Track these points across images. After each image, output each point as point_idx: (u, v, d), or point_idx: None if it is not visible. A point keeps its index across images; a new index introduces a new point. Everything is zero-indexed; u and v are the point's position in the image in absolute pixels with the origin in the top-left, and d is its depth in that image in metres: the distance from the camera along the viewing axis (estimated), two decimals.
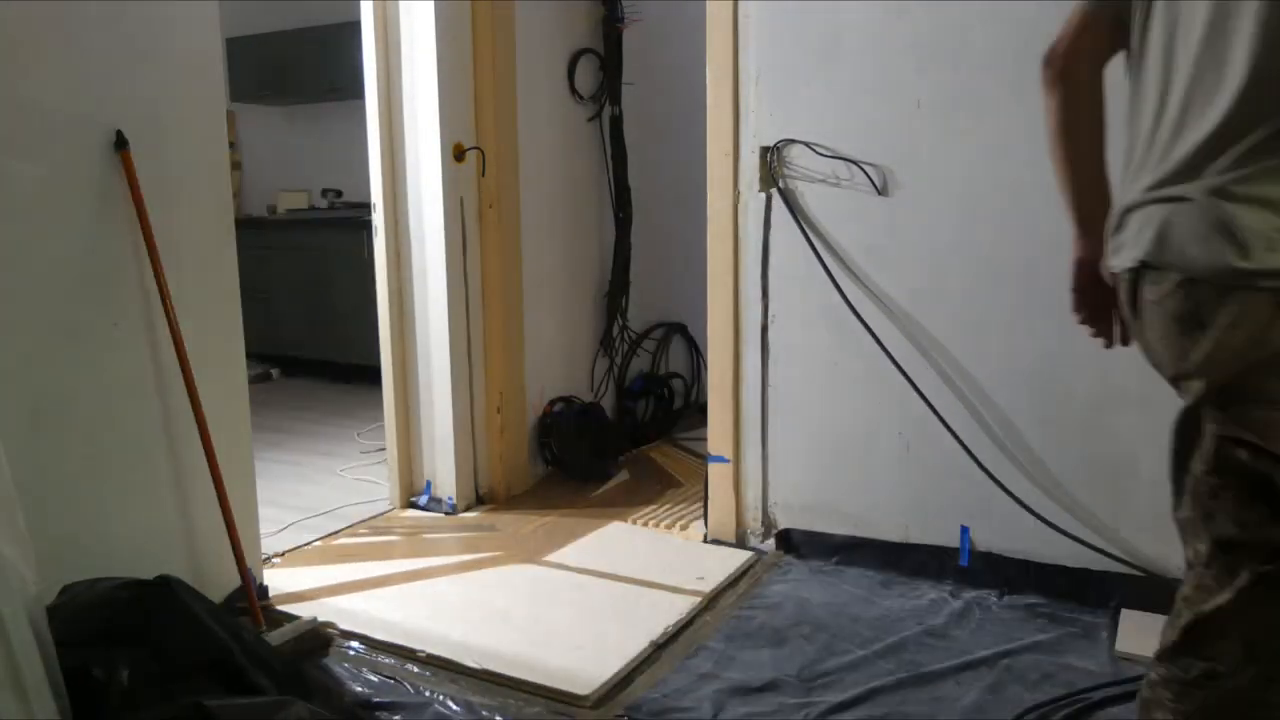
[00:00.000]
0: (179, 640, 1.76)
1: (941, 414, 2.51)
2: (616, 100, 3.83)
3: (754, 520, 2.80)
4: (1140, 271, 1.20)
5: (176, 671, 1.72)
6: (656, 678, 2.06)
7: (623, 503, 3.22)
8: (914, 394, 2.53)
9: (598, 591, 2.51)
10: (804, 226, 2.60)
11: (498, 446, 3.29)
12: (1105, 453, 2.35)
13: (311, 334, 5.39)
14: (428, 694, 1.99)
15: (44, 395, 1.96)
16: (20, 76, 1.90)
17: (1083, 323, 1.51)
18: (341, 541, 2.93)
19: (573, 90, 3.71)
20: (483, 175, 3.16)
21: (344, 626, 2.29)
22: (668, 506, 3.16)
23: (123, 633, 1.75)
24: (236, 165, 6.17)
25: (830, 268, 2.59)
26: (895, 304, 2.53)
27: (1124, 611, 2.27)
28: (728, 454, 2.79)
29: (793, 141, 2.59)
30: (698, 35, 2.71)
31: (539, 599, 2.46)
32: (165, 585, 1.81)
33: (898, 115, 2.46)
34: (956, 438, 2.49)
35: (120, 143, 2.06)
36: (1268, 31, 1.07)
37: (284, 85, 5.67)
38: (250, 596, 2.21)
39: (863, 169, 2.51)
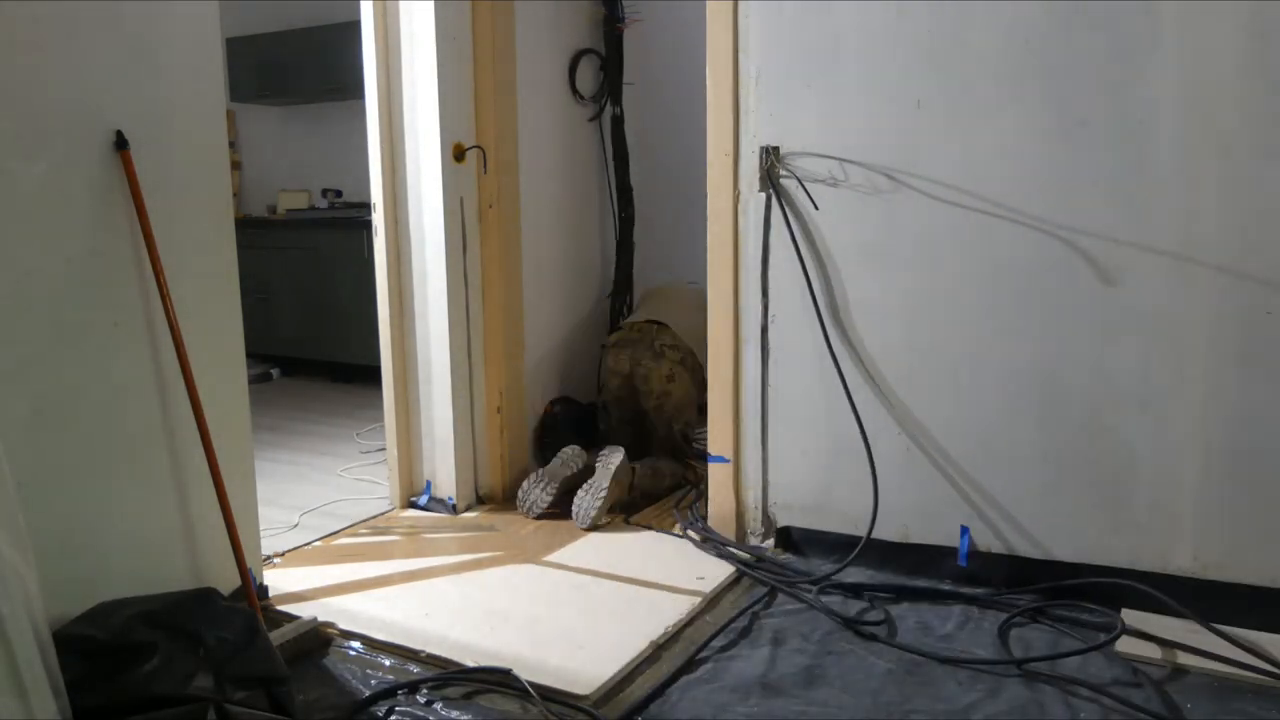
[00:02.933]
0: (231, 646, 1.82)
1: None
2: (617, 100, 3.83)
3: (754, 520, 2.80)
4: None
5: (224, 676, 1.76)
6: (656, 678, 2.06)
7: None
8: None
9: (598, 591, 2.51)
10: (801, 228, 2.60)
11: (498, 447, 3.29)
12: (1105, 453, 2.35)
13: (311, 334, 5.39)
14: (427, 694, 1.99)
15: (44, 395, 1.96)
16: (20, 76, 1.89)
17: None
18: (341, 541, 2.93)
19: (573, 90, 3.71)
20: (484, 174, 3.16)
21: (344, 626, 2.29)
22: (668, 506, 3.16)
23: (167, 623, 1.82)
24: (236, 165, 6.17)
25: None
26: (895, 304, 2.53)
27: (1124, 611, 2.27)
28: (728, 454, 2.79)
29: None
30: (698, 35, 2.71)
31: (539, 599, 2.46)
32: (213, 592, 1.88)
33: (897, 115, 2.46)
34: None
35: (120, 143, 2.06)
36: None
37: (284, 85, 5.67)
38: (250, 596, 2.21)
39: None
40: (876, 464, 2.55)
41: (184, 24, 2.21)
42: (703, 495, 3.04)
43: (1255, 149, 2.13)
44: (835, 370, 2.56)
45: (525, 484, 3.12)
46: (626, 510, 3.09)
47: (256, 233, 5.42)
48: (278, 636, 2.12)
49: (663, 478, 3.27)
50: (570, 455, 3.18)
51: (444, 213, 3.04)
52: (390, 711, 1.93)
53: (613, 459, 3.08)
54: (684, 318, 3.49)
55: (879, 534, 2.59)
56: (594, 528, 2.96)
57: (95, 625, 1.80)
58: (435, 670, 2.10)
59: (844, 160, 2.53)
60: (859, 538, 2.57)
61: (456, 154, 3.07)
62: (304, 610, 2.35)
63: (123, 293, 2.10)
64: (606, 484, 2.99)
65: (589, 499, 2.99)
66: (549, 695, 1.97)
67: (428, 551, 2.83)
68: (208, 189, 2.30)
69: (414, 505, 3.23)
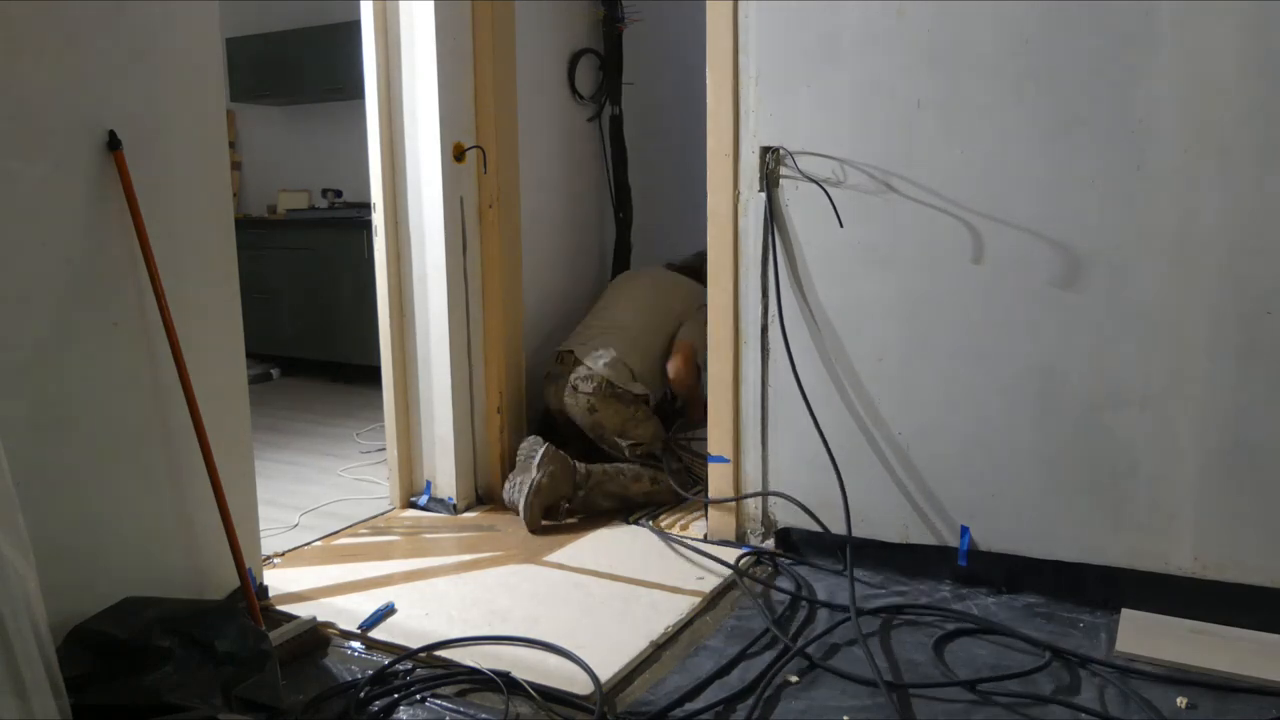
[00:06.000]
0: (241, 667, 1.84)
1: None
2: (616, 100, 3.84)
3: (754, 520, 2.80)
4: None
5: (229, 695, 1.78)
6: (656, 678, 2.06)
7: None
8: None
9: (598, 591, 2.51)
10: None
11: (498, 447, 3.29)
12: (1105, 452, 2.35)
13: (311, 334, 5.39)
14: (426, 694, 1.99)
15: (44, 395, 1.96)
16: (20, 76, 1.89)
17: None
18: (341, 541, 2.93)
19: (573, 90, 3.71)
20: (484, 174, 3.16)
21: (344, 626, 2.29)
22: (667, 506, 3.16)
23: (185, 631, 1.86)
24: (236, 165, 6.17)
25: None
26: (895, 303, 2.53)
27: (1124, 611, 2.27)
28: (728, 454, 2.79)
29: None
30: (698, 35, 2.71)
31: (539, 599, 2.46)
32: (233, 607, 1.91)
33: (898, 116, 2.46)
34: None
35: (113, 143, 2.05)
36: None
37: (284, 85, 5.67)
38: (250, 596, 2.21)
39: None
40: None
41: (184, 24, 2.20)
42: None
43: (1255, 148, 2.13)
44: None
45: (505, 490, 3.08)
46: (584, 506, 3.03)
47: (256, 233, 5.42)
48: (277, 636, 2.12)
49: (627, 480, 3.11)
50: (528, 448, 3.10)
51: (444, 213, 3.04)
52: (389, 711, 1.93)
53: (534, 455, 3.00)
54: (628, 319, 3.38)
55: (879, 534, 2.59)
56: (537, 530, 2.93)
57: (117, 623, 1.84)
58: (434, 670, 2.10)
59: (844, 160, 2.53)
60: (859, 538, 2.57)
61: (456, 154, 3.07)
62: (304, 610, 2.35)
63: (122, 293, 2.10)
64: (529, 482, 2.93)
65: (515, 493, 2.99)
66: (549, 695, 1.97)
67: (428, 551, 2.83)
68: (208, 189, 2.30)
69: (414, 505, 3.23)
